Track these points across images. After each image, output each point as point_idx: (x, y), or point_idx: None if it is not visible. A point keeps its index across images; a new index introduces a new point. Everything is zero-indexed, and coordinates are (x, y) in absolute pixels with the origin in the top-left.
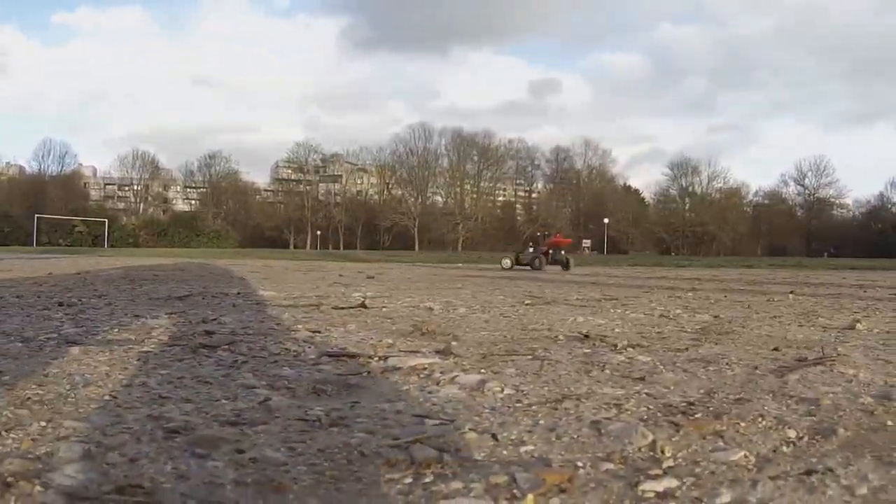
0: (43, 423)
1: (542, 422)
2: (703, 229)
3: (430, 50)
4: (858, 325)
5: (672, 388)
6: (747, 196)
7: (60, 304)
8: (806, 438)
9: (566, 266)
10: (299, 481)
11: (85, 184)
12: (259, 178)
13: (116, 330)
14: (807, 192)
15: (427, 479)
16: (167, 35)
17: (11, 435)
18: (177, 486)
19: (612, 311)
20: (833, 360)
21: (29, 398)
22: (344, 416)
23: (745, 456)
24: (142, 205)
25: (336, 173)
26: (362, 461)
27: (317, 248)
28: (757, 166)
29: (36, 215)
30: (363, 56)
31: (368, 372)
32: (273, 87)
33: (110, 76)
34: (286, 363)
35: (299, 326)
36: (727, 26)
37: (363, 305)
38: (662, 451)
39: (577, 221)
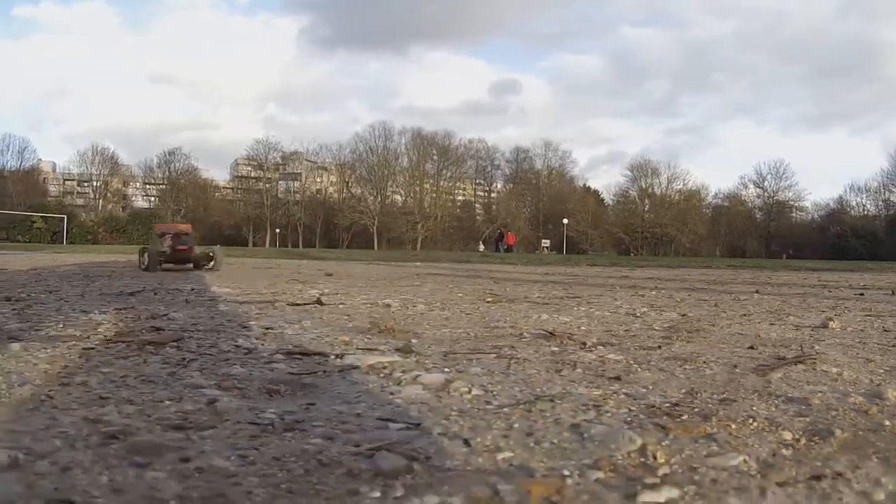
0: None
1: (516, 425)
2: (662, 230)
3: (390, 49)
4: (831, 323)
5: (651, 387)
6: (707, 198)
7: (7, 299)
8: (803, 440)
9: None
10: (252, 495)
11: (44, 179)
12: (219, 175)
13: (61, 326)
14: (766, 194)
15: (397, 493)
16: (128, 31)
17: None
18: (111, 502)
19: (576, 309)
20: (813, 359)
21: None
22: (299, 419)
23: (745, 461)
24: (101, 201)
25: (296, 171)
26: (322, 471)
27: (276, 246)
28: (717, 168)
29: None
30: (323, 54)
31: (324, 371)
32: (233, 84)
33: (70, 71)
34: (237, 361)
35: (252, 323)
36: (688, 29)
37: (319, 302)
38: (654, 457)
39: (536, 221)
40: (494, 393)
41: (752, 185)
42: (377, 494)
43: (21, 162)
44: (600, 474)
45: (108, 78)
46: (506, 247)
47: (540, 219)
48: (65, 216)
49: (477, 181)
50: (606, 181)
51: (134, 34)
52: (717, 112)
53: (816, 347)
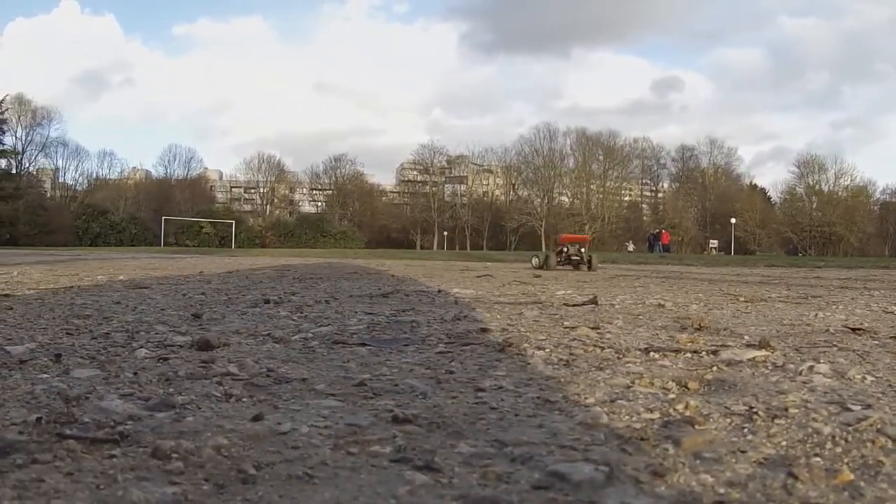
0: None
1: None
2: (830, 229)
3: (551, 51)
4: None
5: None
6: (874, 194)
7: (266, 302)
8: None
9: (589, 265)
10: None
11: (211, 187)
12: (384, 179)
13: (361, 327)
14: None
15: None
16: (287, 43)
17: None
18: None
19: (832, 307)
20: None
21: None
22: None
23: None
24: (268, 207)
25: (461, 174)
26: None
27: (444, 249)
28: (885, 162)
29: (163, 217)
30: (484, 59)
31: (717, 367)
32: (396, 90)
33: (232, 84)
34: (630, 361)
35: (566, 324)
36: (844, 17)
37: (594, 302)
38: None
39: (703, 221)
40: (884, 378)
41: None
42: None
43: (188, 171)
44: None
45: (270, 89)
46: (661, 246)
47: (707, 218)
48: (233, 221)
49: (643, 181)
50: (772, 179)
51: (294, 46)
52: (882, 103)
53: None
